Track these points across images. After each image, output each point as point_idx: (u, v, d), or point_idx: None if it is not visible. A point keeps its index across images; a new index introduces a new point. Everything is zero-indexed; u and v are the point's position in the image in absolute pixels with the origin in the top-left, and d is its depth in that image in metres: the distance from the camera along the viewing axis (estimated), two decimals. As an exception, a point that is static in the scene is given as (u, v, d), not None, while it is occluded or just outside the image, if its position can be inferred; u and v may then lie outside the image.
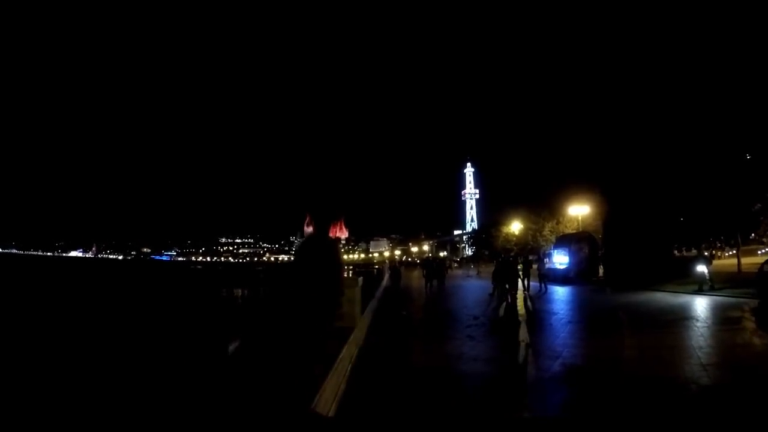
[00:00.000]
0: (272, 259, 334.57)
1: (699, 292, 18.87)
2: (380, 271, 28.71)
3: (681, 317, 13.18)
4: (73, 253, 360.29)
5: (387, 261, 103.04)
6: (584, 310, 17.02)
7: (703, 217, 25.59)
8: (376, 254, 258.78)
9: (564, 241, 30.94)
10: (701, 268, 19.95)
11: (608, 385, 6.77)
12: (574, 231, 44.27)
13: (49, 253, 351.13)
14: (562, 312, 15.58)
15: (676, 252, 29.83)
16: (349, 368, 7.49)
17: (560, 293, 21.84)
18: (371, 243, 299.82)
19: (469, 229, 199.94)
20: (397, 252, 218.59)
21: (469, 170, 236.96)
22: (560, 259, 29.47)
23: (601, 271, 28.78)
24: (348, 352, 7.59)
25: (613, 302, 17.94)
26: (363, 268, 40.74)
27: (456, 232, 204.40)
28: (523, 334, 11.05)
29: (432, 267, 26.29)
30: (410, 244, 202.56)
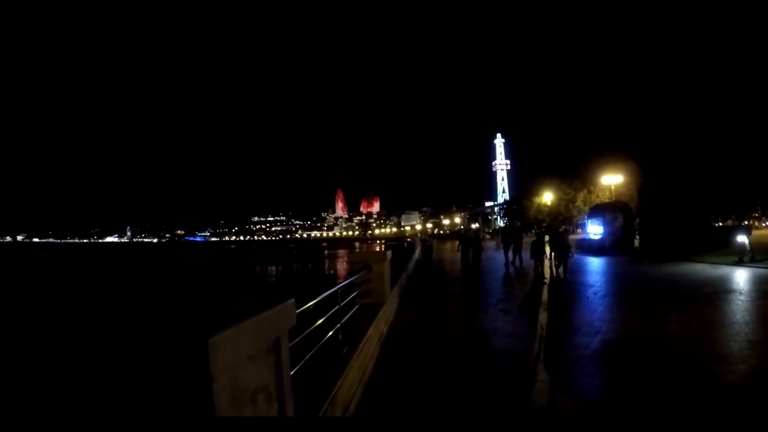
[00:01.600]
0: (305, 235, 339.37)
1: (740, 263, 18.25)
2: (411, 245, 28.35)
3: (723, 290, 12.65)
4: (108, 239, 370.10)
5: (418, 234, 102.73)
6: (621, 283, 16.38)
7: (742, 186, 24.61)
8: (408, 228, 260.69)
9: (598, 210, 30.04)
10: (742, 239, 19.26)
11: (650, 365, 6.46)
12: (608, 200, 43.45)
13: (85, 240, 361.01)
14: (598, 284, 15.14)
15: (712, 222, 28.89)
16: (377, 348, 7.31)
17: (595, 264, 21.23)
18: (403, 216, 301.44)
19: (500, 200, 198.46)
20: (429, 225, 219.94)
21: (499, 141, 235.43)
22: (594, 230, 28.74)
23: (636, 241, 27.98)
24: (376, 331, 7.42)
25: (650, 274, 17.32)
26: (395, 241, 40.54)
27: (487, 204, 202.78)
28: (560, 308, 10.76)
29: (467, 240, 25.40)
30: (441, 216, 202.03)
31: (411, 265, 20.29)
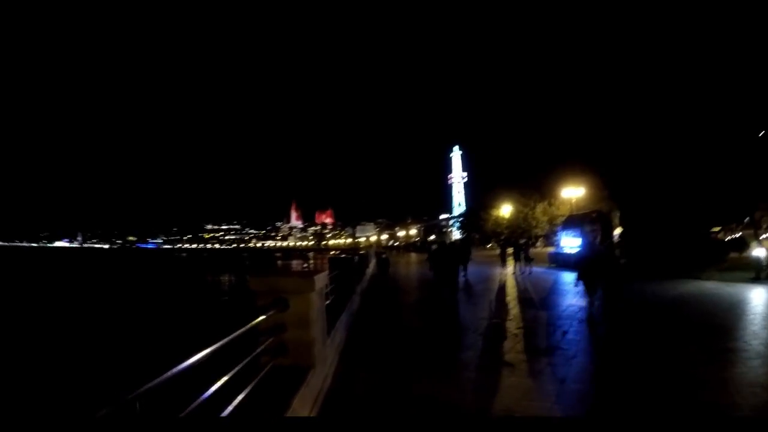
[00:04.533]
0: (258, 245, 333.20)
1: (756, 280, 15.59)
2: (364, 258, 23.15)
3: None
4: (58, 244, 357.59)
5: (373, 246, 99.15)
6: (620, 313, 11.58)
7: (741, 191, 21.62)
8: (363, 239, 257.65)
9: (574, 221, 26.93)
10: (759, 252, 16.53)
11: None
12: (569, 213, 41.40)
13: (34, 244, 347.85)
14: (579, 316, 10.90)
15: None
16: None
17: (570, 283, 18.03)
18: (358, 228, 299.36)
19: (456, 212, 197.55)
20: (384, 236, 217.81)
21: (456, 154, 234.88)
22: (570, 242, 25.71)
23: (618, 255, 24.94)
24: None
25: (651, 295, 14.16)
26: (347, 252, 36.91)
27: (442, 216, 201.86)
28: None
29: (447, 252, 14.76)
30: (397, 228, 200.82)
31: (362, 285, 16.23)
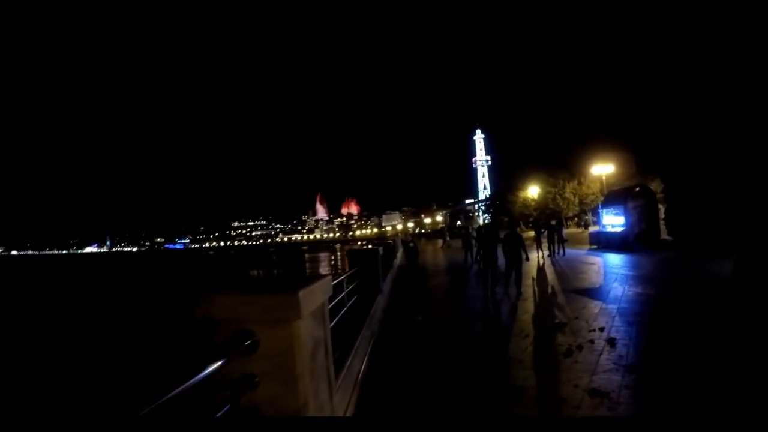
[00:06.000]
0: (285, 239, 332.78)
1: None
2: (390, 248, 19.23)
3: None
4: (87, 249, 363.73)
5: (399, 234, 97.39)
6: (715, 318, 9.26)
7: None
8: (389, 228, 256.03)
9: (616, 197, 24.79)
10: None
11: None
12: (600, 190, 39.46)
13: (64, 251, 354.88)
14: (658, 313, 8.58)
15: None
16: None
17: (630, 266, 16.12)
18: (383, 217, 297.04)
19: (482, 196, 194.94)
20: (410, 224, 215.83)
21: (479, 137, 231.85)
22: (613, 220, 23.74)
23: (664, 232, 22.81)
24: None
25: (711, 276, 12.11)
26: (376, 242, 35.27)
27: (467, 201, 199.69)
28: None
29: (489, 239, 12.42)
30: (422, 215, 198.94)
31: (388, 283, 13.96)
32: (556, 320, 8.43)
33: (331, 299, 5.71)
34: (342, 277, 6.60)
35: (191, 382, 1.87)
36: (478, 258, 12.95)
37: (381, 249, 12.02)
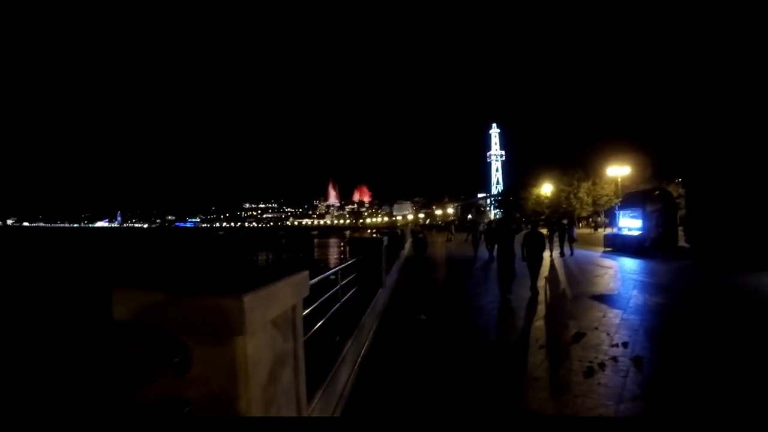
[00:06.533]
0: (295, 223, 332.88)
1: None
2: (396, 238, 18.12)
3: None
4: (98, 224, 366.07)
5: (409, 225, 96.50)
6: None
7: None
8: (399, 217, 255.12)
9: (634, 199, 23.87)
10: None
11: None
12: (614, 193, 38.77)
13: (75, 225, 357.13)
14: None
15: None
16: None
17: (648, 273, 15.31)
18: (394, 206, 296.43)
19: (494, 191, 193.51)
20: (421, 215, 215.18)
21: (494, 131, 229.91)
22: (630, 223, 22.85)
23: (681, 239, 21.84)
24: None
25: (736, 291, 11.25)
26: (385, 230, 34.28)
27: (480, 195, 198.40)
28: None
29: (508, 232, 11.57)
30: (434, 207, 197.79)
31: (392, 274, 13.40)
32: (574, 330, 7.64)
33: (323, 293, 5.01)
34: (337, 269, 5.81)
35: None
36: (493, 255, 12.24)
37: (386, 239, 11.27)
